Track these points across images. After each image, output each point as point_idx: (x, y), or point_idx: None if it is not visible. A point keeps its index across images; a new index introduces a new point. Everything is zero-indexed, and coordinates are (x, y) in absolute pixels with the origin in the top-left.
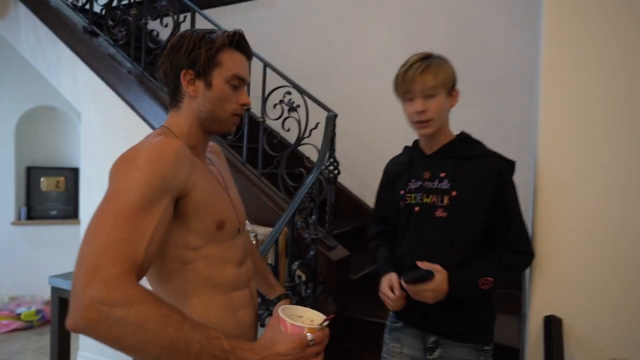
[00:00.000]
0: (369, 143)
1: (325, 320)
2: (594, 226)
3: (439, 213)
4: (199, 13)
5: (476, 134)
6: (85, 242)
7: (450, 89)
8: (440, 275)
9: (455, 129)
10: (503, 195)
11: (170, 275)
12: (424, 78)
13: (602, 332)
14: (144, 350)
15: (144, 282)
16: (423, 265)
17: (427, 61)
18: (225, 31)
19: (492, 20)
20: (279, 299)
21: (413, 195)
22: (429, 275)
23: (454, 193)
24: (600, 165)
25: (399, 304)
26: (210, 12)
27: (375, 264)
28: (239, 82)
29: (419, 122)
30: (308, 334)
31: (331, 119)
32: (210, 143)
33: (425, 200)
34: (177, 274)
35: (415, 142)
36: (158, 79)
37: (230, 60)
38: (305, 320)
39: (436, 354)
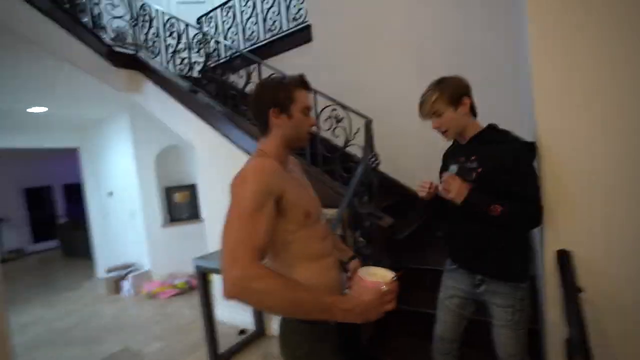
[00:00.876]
0: (398, 139)
1: (395, 277)
2: (594, 169)
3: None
4: (263, 64)
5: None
6: (224, 240)
7: (456, 101)
8: (462, 187)
9: None
10: (520, 169)
11: (279, 253)
12: (428, 105)
13: (606, 260)
14: (274, 308)
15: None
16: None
17: (432, 89)
18: (293, 76)
19: (482, 44)
20: (350, 259)
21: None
22: (469, 175)
23: (479, 169)
24: (599, 115)
25: (429, 195)
26: (267, 62)
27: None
28: (308, 110)
29: (440, 133)
30: (384, 287)
31: (368, 124)
32: (290, 157)
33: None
34: (283, 252)
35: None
36: (247, 117)
37: (301, 96)
38: (378, 277)
39: (482, 288)
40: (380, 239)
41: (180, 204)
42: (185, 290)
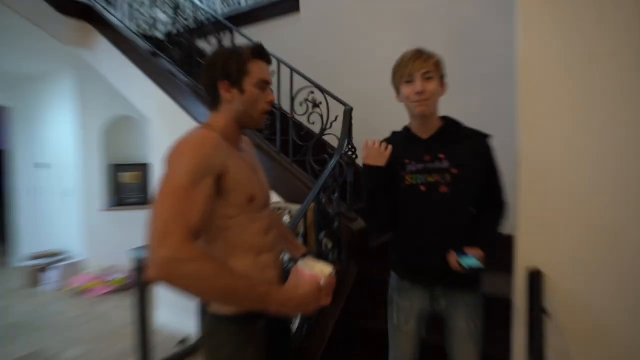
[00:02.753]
0: (381, 130)
1: (333, 271)
2: (571, 190)
3: (443, 189)
4: (237, 31)
5: (476, 119)
6: (153, 216)
7: (442, 77)
8: (477, 253)
9: (460, 114)
10: (492, 166)
11: (213, 240)
12: (423, 63)
13: (579, 283)
14: (205, 295)
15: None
16: (469, 252)
17: (422, 51)
18: (248, 45)
19: (485, 20)
20: (303, 256)
21: (415, 176)
22: (480, 268)
23: (454, 171)
24: (576, 132)
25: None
26: (245, 30)
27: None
28: (265, 84)
29: (417, 102)
30: (322, 281)
31: (348, 112)
32: (243, 137)
33: (429, 179)
34: (217, 239)
35: (407, 130)
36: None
37: (256, 68)
38: (317, 270)
39: (443, 303)
40: (349, 244)
41: (128, 186)
42: (123, 288)
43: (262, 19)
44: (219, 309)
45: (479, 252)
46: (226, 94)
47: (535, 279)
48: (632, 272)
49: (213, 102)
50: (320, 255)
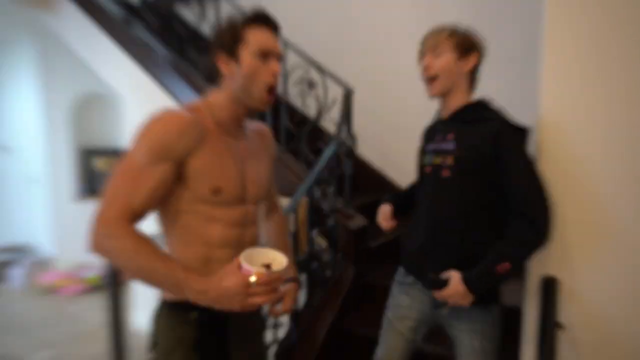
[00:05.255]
0: (389, 118)
1: (283, 267)
2: (593, 190)
3: (445, 173)
4: None
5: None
6: (105, 190)
7: (465, 51)
8: (453, 279)
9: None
10: (502, 158)
11: (172, 223)
12: (435, 35)
13: (596, 292)
14: (126, 269)
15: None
16: (443, 275)
17: (446, 26)
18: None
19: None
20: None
21: (427, 156)
22: (442, 283)
23: (457, 153)
24: (601, 132)
25: (391, 228)
26: None
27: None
28: (267, 54)
29: (426, 80)
30: (252, 277)
31: (347, 95)
32: (260, 124)
33: (435, 161)
34: (175, 222)
35: (438, 112)
36: (197, 66)
37: (254, 35)
38: (275, 263)
39: (445, 310)
40: (345, 243)
41: (102, 173)
42: (97, 287)
43: None
44: (164, 295)
45: (448, 274)
46: (224, 67)
47: (550, 287)
48: None
49: (217, 79)
50: (314, 256)
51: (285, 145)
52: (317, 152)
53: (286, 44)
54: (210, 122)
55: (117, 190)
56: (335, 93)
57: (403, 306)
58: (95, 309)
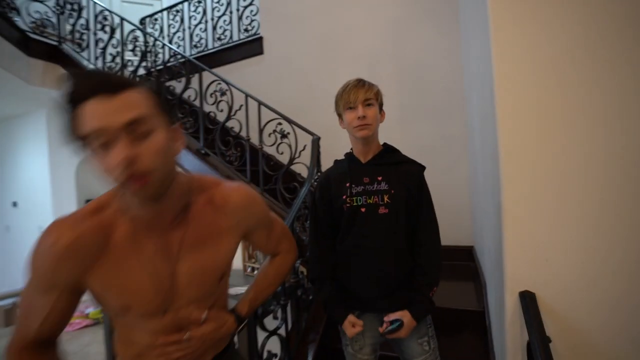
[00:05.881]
0: None
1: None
2: (557, 209)
3: (382, 210)
4: (207, 70)
5: (426, 147)
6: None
7: (381, 106)
8: (405, 318)
9: (409, 144)
10: (421, 193)
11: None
12: (363, 90)
13: (571, 303)
14: None
15: None
16: (389, 317)
17: (363, 81)
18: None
19: (429, 57)
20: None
21: (356, 198)
22: (400, 326)
23: (392, 191)
24: (562, 146)
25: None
26: (216, 70)
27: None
28: (101, 139)
29: (359, 126)
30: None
31: (316, 141)
32: (226, 190)
33: (369, 201)
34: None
35: (349, 155)
36: (186, 127)
37: (80, 118)
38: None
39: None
40: None
41: None
42: (99, 321)
43: (228, 62)
44: None
45: (399, 314)
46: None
47: (532, 301)
48: (625, 289)
49: None
50: (297, 285)
51: (263, 188)
52: (292, 190)
53: (260, 103)
54: (121, 220)
55: (18, 320)
56: (304, 140)
57: (358, 338)
58: (98, 344)
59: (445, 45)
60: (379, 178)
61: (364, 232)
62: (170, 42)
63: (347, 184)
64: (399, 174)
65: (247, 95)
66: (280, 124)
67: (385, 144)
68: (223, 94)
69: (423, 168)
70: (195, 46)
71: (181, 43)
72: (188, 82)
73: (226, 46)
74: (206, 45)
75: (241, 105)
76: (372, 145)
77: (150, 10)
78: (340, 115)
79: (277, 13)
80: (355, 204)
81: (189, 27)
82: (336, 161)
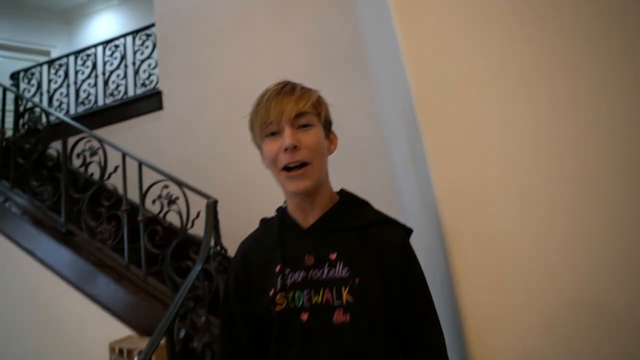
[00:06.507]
0: (254, 222)
1: None
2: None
3: (338, 317)
4: (88, 133)
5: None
6: None
7: (327, 126)
8: None
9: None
10: (409, 274)
11: None
12: (293, 100)
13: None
14: None
15: None
16: None
17: (290, 84)
18: None
19: (343, 109)
20: None
21: (292, 294)
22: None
23: (357, 280)
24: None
25: None
26: (108, 129)
27: None
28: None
29: (291, 171)
30: None
31: (211, 205)
32: None
33: (315, 299)
34: None
35: (282, 214)
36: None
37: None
38: None
39: None
40: None
41: None
42: None
43: (123, 118)
44: None
45: None
46: None
47: None
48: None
49: None
50: None
51: (147, 269)
52: (186, 271)
53: (140, 163)
54: None
55: None
56: (199, 206)
57: None
58: None
59: (358, 94)
60: (332, 256)
61: (308, 359)
62: (50, 99)
63: (277, 267)
64: (368, 247)
65: (124, 154)
66: (166, 186)
67: (342, 192)
68: (94, 153)
69: (409, 232)
70: (82, 103)
71: (64, 100)
72: (66, 149)
73: (118, 102)
74: (95, 102)
75: (116, 167)
76: (318, 197)
77: (24, 65)
78: (259, 146)
79: (178, 65)
80: (291, 305)
81: (75, 83)
82: (263, 221)
